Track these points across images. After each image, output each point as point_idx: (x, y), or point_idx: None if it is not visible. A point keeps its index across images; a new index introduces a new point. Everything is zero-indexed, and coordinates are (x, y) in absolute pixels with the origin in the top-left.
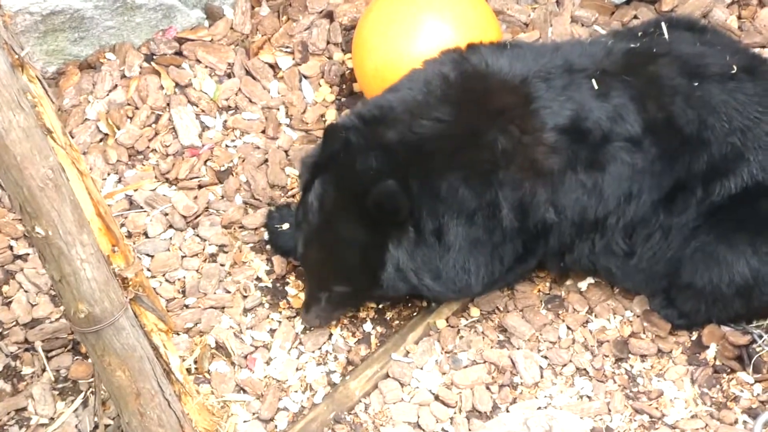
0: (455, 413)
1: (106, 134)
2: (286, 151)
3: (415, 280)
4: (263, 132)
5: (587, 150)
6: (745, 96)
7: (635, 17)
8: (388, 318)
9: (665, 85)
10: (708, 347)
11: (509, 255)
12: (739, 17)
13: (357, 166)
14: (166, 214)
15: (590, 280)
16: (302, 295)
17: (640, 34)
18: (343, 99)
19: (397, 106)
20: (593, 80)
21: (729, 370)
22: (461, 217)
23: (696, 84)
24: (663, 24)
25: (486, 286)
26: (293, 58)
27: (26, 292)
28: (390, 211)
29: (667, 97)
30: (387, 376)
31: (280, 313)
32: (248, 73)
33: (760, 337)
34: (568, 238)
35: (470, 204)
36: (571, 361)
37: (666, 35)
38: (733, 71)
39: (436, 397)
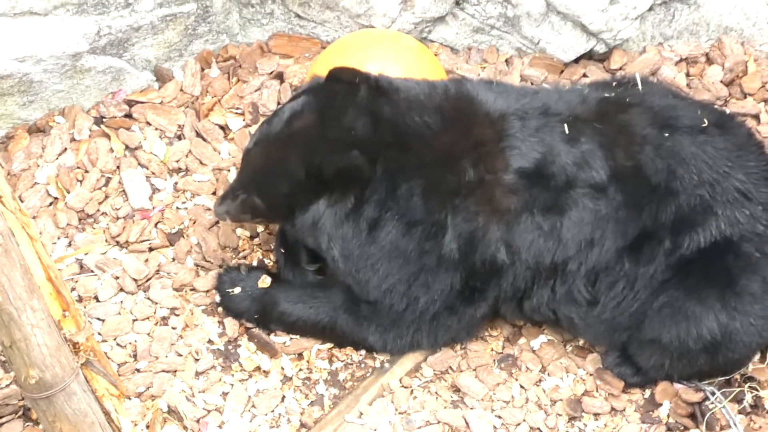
0: None
1: (56, 198)
2: None
3: (324, 244)
4: (214, 193)
5: (547, 194)
6: (714, 150)
7: (584, 75)
8: (341, 379)
9: (635, 134)
10: (661, 405)
11: (440, 286)
12: (688, 75)
13: (345, 116)
14: (117, 278)
15: (543, 338)
16: (255, 358)
17: (615, 84)
18: None
19: (402, 91)
20: (565, 125)
21: (682, 428)
22: (402, 222)
23: (666, 135)
24: (637, 76)
25: (405, 308)
26: (244, 119)
27: None
28: (348, 179)
29: (637, 146)
30: None
31: (233, 375)
32: (198, 134)
33: (713, 394)
34: (523, 283)
35: (417, 215)
36: (524, 420)
37: (640, 87)
38: (704, 125)
39: None
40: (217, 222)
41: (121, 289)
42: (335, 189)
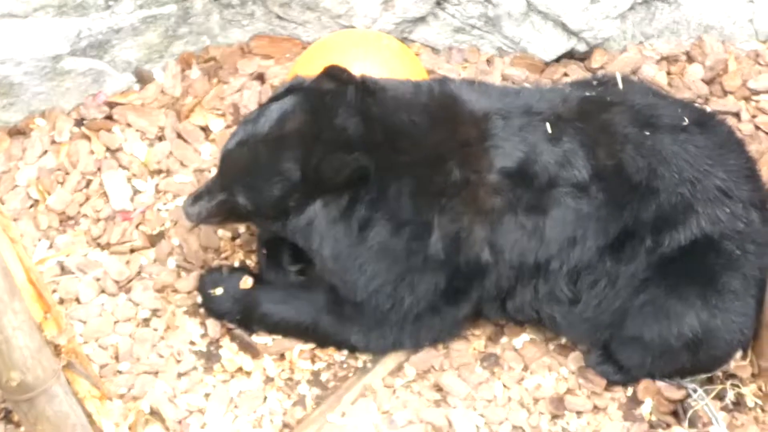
0: None
1: (37, 200)
2: None
3: (315, 244)
4: None
5: (530, 193)
6: (695, 148)
7: (565, 74)
8: (324, 379)
9: (617, 133)
10: (643, 402)
11: (426, 286)
12: (668, 73)
13: (337, 117)
14: (99, 279)
15: (525, 337)
16: (237, 359)
17: (595, 83)
18: None
19: (389, 90)
20: (548, 124)
21: (665, 425)
22: (391, 222)
23: (647, 134)
24: (618, 75)
25: (390, 308)
26: (225, 121)
27: None
28: (353, 180)
29: (618, 145)
30: None
31: (215, 377)
32: (179, 136)
33: (695, 391)
34: (506, 282)
35: (405, 215)
36: (507, 419)
37: (620, 86)
38: (685, 123)
39: None
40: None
41: (103, 291)
42: (332, 190)
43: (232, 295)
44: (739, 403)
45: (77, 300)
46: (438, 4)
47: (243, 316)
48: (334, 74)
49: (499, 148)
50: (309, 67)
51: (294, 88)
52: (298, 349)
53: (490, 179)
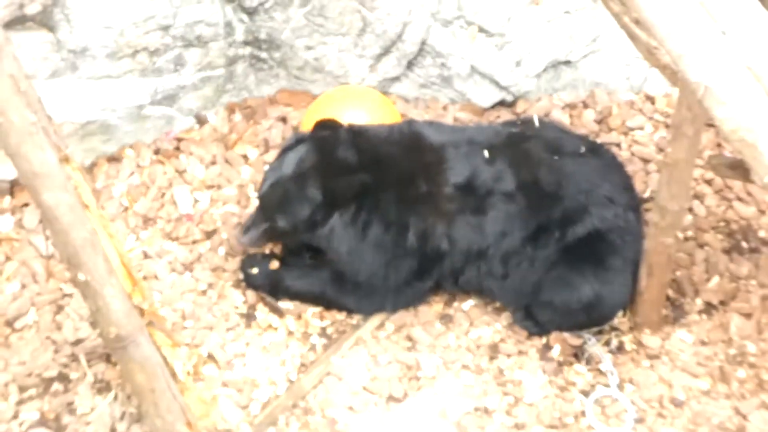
0: (378, 399)
1: (127, 207)
2: None
3: (335, 244)
4: (238, 203)
5: (474, 200)
6: (589, 168)
7: (498, 117)
8: (329, 333)
9: (534, 158)
10: (553, 348)
11: (404, 268)
12: (570, 116)
13: (338, 152)
14: (170, 262)
15: (471, 302)
16: (268, 319)
17: (519, 122)
18: None
19: (372, 132)
20: (485, 151)
21: (569, 363)
22: (382, 223)
23: (556, 158)
24: (535, 117)
25: (379, 283)
26: (258, 150)
27: (73, 320)
28: (358, 194)
29: (535, 166)
30: (329, 373)
31: (252, 331)
32: (227, 161)
33: (590, 339)
34: (458, 264)
35: (392, 217)
36: (458, 359)
37: (537, 124)
38: (582, 151)
39: (364, 388)
40: (240, 223)
41: (173, 270)
42: (344, 203)
43: (265, 274)
44: (621, 348)
45: (156, 277)
46: (408, 67)
47: (272, 289)
48: (326, 124)
49: (452, 169)
50: (319, 112)
51: (301, 139)
52: (311, 311)
53: (446, 191)
